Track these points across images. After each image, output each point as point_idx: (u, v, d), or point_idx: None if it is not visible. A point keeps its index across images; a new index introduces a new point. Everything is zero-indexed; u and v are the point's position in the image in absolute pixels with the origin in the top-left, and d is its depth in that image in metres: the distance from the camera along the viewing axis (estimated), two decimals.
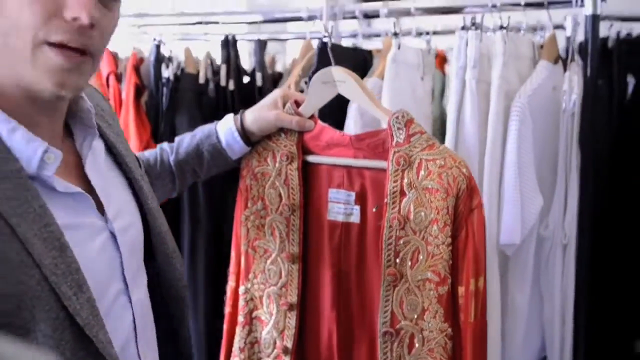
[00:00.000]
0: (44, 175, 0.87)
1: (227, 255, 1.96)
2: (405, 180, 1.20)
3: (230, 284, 1.44)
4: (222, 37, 2.16)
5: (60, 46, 0.84)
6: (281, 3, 6.38)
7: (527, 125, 1.62)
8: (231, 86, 2.10)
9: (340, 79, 1.28)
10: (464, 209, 1.18)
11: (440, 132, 2.27)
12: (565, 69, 1.75)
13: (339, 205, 1.30)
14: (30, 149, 0.85)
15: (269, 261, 1.35)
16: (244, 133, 1.33)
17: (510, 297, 1.73)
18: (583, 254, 1.75)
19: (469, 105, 1.67)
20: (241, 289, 1.39)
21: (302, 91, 1.84)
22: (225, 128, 1.34)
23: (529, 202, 1.63)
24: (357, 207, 1.28)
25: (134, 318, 0.98)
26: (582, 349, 1.76)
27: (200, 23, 2.23)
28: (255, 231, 1.36)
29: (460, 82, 1.69)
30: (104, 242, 0.94)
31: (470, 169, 1.20)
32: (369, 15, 1.98)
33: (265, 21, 2.17)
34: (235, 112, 2.02)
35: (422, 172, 1.19)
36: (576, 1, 1.72)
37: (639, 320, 1.80)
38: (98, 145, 1.02)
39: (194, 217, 2.08)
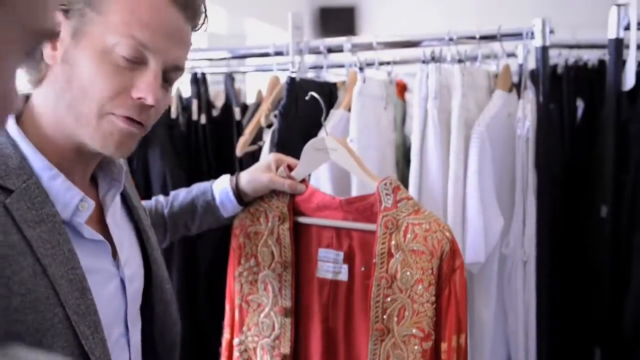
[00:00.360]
0: (76, 221, 0.96)
1: (200, 287, 2.03)
2: (393, 242, 1.27)
3: (225, 336, 1.50)
4: (191, 74, 2.23)
5: (124, 116, 0.95)
6: (239, 39, 6.50)
7: (486, 151, 1.73)
8: (203, 120, 2.17)
9: (332, 147, 1.38)
10: (447, 269, 1.25)
11: (404, 158, 2.37)
12: (519, 95, 1.87)
13: (328, 264, 1.37)
14: (68, 196, 0.95)
15: (262, 314, 1.42)
16: (238, 193, 1.41)
17: (476, 312, 1.82)
18: (542, 269, 1.86)
19: (432, 134, 1.77)
20: (235, 341, 1.46)
21: (270, 124, 1.92)
22: (221, 187, 1.42)
23: (491, 223, 1.73)
24: (345, 266, 1.36)
25: (129, 359, 1.07)
26: (544, 358, 1.86)
27: None
28: (249, 286, 1.43)
29: (423, 112, 1.79)
30: (116, 288, 1.03)
31: (453, 233, 1.27)
32: (332, 50, 2.07)
33: (233, 57, 2.24)
34: (207, 146, 2.10)
35: (408, 235, 1.26)
36: (526, 34, 1.84)
37: (596, 329, 1.90)
38: (117, 196, 1.11)
39: (167, 249, 2.12)
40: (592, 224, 2.01)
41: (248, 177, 1.42)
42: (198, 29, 1.05)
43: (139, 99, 0.95)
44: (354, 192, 1.77)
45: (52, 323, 0.86)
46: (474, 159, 1.72)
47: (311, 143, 1.40)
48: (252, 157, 2.03)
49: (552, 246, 1.89)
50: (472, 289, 1.84)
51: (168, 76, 1.01)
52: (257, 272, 1.42)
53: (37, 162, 0.93)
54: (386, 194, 1.30)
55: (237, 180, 1.42)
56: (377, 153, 1.86)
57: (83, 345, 0.89)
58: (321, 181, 1.80)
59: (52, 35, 0.51)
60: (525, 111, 1.77)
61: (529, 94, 1.87)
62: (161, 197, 1.47)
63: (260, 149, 1.97)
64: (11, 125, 0.94)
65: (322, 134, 1.82)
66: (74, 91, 0.93)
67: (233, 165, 2.16)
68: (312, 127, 1.86)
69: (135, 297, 1.10)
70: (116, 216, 1.10)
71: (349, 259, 1.36)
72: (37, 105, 0.97)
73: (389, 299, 1.28)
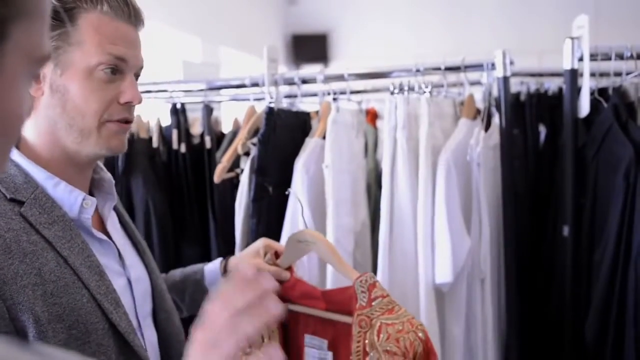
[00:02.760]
0: (83, 218, 1.11)
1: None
2: (367, 341, 1.26)
3: None
4: (170, 105, 2.32)
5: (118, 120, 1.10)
6: (213, 67, 6.59)
7: (452, 176, 1.83)
8: (182, 149, 2.26)
9: (312, 240, 1.39)
10: None
11: (375, 182, 2.47)
12: (483, 119, 1.98)
13: (314, 350, 1.39)
14: (72, 197, 1.10)
15: None
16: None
17: (447, 328, 1.91)
18: (508, 287, 1.96)
19: (401, 161, 1.87)
20: None
21: (247, 152, 2.01)
22: (212, 268, 1.48)
23: (459, 244, 1.83)
24: (330, 353, 1.37)
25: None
26: None
27: (149, 92, 2.37)
28: None
29: (392, 141, 1.89)
30: (124, 285, 1.16)
31: (427, 333, 1.26)
32: (306, 81, 2.16)
33: (210, 88, 2.33)
34: (187, 173, 2.18)
35: (382, 335, 1.25)
36: (487, 65, 1.95)
37: (560, 344, 1.99)
38: (113, 212, 1.24)
39: None
40: (556, 242, 2.12)
41: (235, 263, 1.47)
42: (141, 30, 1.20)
43: (127, 102, 1.12)
44: (330, 214, 1.85)
45: (82, 303, 1.02)
46: (441, 184, 1.83)
47: (294, 235, 1.42)
48: (231, 184, 2.11)
49: (517, 264, 1.99)
50: (443, 306, 1.93)
51: (137, 74, 1.18)
52: (249, 354, 1.43)
53: (40, 175, 1.08)
54: (362, 292, 1.29)
55: (226, 265, 1.48)
56: (349, 177, 1.96)
57: (110, 319, 1.04)
58: (297, 184, 1.88)
59: (49, 59, 0.60)
60: (478, 138, 1.88)
61: (495, 120, 1.99)
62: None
63: (237, 176, 2.05)
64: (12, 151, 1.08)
65: (298, 161, 1.92)
66: (70, 113, 1.08)
67: (212, 192, 2.24)
68: (288, 154, 1.96)
69: (143, 298, 1.21)
70: (116, 227, 1.24)
71: (333, 346, 1.37)
72: (30, 133, 1.11)
73: None
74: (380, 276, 1.86)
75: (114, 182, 1.23)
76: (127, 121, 1.15)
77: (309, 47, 8.72)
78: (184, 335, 1.31)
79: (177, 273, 1.52)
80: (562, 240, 1.99)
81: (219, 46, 6.81)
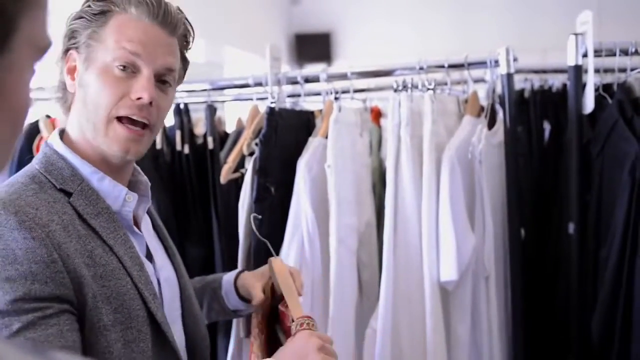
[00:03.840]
0: (125, 211, 1.17)
1: None
2: None
3: None
4: (174, 105, 2.31)
5: (126, 120, 1.13)
6: (217, 67, 6.59)
7: (457, 174, 1.83)
8: (186, 150, 2.25)
9: (275, 274, 1.41)
10: None
11: (380, 180, 2.47)
12: (487, 117, 1.97)
13: None
14: (116, 191, 1.16)
15: None
16: (236, 287, 1.49)
17: (452, 327, 1.90)
18: (514, 284, 1.95)
19: (405, 159, 1.86)
20: None
21: (252, 152, 2.00)
22: (227, 279, 1.51)
23: (463, 242, 1.82)
24: None
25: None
26: None
27: None
28: None
29: (396, 138, 1.88)
30: (155, 284, 1.18)
31: None
32: (309, 80, 2.16)
33: (213, 89, 2.33)
34: (190, 174, 2.18)
35: None
36: (491, 62, 1.94)
37: (567, 340, 1.98)
38: (146, 215, 1.28)
39: None
40: (561, 240, 2.11)
41: (244, 280, 1.48)
42: (189, 41, 1.26)
43: (138, 99, 1.13)
44: (333, 214, 1.85)
45: (126, 289, 1.08)
46: (445, 182, 1.82)
47: (268, 265, 1.44)
48: (236, 184, 2.11)
49: (523, 262, 1.98)
50: (449, 304, 1.92)
51: (163, 79, 1.19)
52: None
53: (85, 169, 1.14)
54: (293, 334, 1.25)
55: (236, 279, 1.50)
56: (352, 177, 1.95)
57: (149, 308, 1.10)
58: (300, 185, 1.88)
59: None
60: (480, 135, 1.87)
61: (499, 117, 1.98)
62: None
63: (242, 176, 2.05)
64: (58, 144, 1.16)
65: (301, 161, 1.91)
66: (89, 107, 1.14)
67: (215, 192, 2.23)
68: (291, 154, 1.95)
69: (172, 300, 1.25)
70: (149, 229, 1.29)
71: None
72: (70, 128, 1.18)
73: None
74: (385, 275, 1.85)
75: (149, 184, 1.28)
76: (139, 125, 1.15)
77: (312, 47, 8.71)
78: (208, 342, 1.35)
79: (197, 280, 1.54)
80: (567, 238, 1.98)
81: (222, 46, 6.81)
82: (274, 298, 1.48)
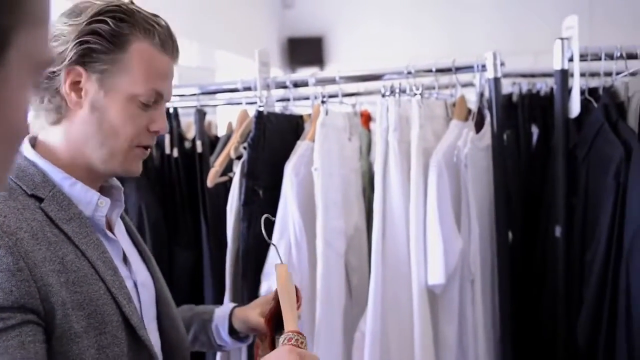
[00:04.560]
0: (97, 216, 1.16)
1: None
2: None
3: None
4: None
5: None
6: (209, 71, 6.59)
7: (444, 178, 1.84)
8: (175, 154, 2.26)
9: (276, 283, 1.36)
10: None
11: (370, 184, 2.47)
12: (474, 120, 1.99)
13: None
14: (88, 196, 1.15)
15: None
16: (231, 325, 1.46)
17: (440, 330, 1.91)
18: (501, 288, 1.96)
19: (393, 163, 1.87)
20: None
21: (240, 156, 2.01)
22: (220, 314, 1.48)
23: (450, 246, 1.83)
24: None
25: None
26: None
27: None
28: None
29: (384, 143, 1.89)
30: (131, 288, 1.19)
31: None
32: (298, 85, 2.17)
33: (203, 93, 2.33)
34: (180, 178, 2.18)
35: None
36: (478, 67, 1.96)
37: (554, 344, 2.00)
38: (119, 220, 1.28)
39: None
40: (548, 242, 2.13)
41: (242, 312, 1.46)
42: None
43: (156, 131, 1.20)
44: (319, 217, 1.86)
45: (99, 294, 1.07)
46: (432, 186, 1.83)
47: (275, 267, 1.40)
48: (224, 188, 2.12)
49: (510, 265, 1.99)
50: (437, 307, 1.93)
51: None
52: None
53: (57, 175, 1.13)
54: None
55: (232, 312, 1.47)
56: (340, 180, 1.96)
57: (124, 312, 1.09)
58: (287, 188, 1.89)
59: (51, 64, 0.59)
60: (466, 139, 1.88)
61: (487, 121, 2.00)
62: None
63: (230, 179, 2.06)
64: (28, 150, 1.15)
65: (288, 164, 1.92)
66: (105, 132, 1.14)
67: (204, 196, 2.24)
68: (280, 158, 1.96)
69: (149, 303, 1.25)
70: (123, 233, 1.29)
71: None
72: (56, 139, 1.16)
73: None
74: (373, 278, 1.86)
75: (122, 189, 1.28)
76: (149, 147, 1.22)
77: (305, 50, 8.73)
78: (188, 342, 1.35)
79: (186, 308, 1.53)
80: (554, 241, 2.00)
81: (214, 50, 6.81)
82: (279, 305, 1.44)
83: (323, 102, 1.97)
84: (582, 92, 1.95)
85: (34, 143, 1.18)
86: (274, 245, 1.51)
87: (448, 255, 1.82)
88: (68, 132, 1.15)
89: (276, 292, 1.39)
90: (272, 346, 1.38)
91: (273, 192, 1.94)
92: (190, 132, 2.65)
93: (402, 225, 1.88)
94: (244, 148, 1.98)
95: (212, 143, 2.53)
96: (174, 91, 2.34)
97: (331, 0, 8.79)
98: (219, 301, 2.03)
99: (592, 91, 1.99)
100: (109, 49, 1.12)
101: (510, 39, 7.06)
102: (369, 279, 1.93)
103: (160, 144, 2.31)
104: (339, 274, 1.93)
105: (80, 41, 1.10)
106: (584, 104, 1.95)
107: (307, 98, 2.29)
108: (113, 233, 1.22)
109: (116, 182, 1.28)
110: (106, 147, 1.15)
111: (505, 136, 2.11)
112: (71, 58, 1.11)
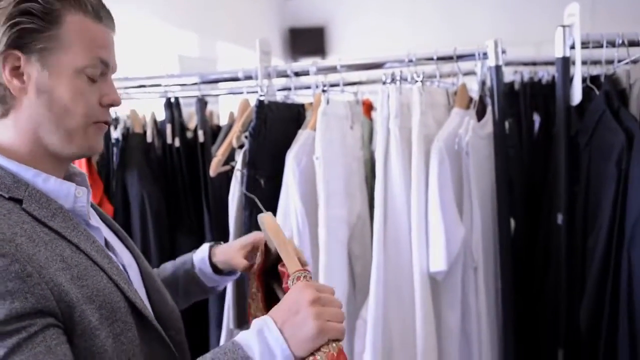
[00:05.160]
0: (79, 207, 1.14)
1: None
2: None
3: None
4: (165, 99, 2.33)
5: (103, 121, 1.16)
6: (210, 62, 6.59)
7: (445, 165, 1.84)
8: (177, 143, 2.26)
9: (266, 231, 1.33)
10: None
11: (371, 173, 2.47)
12: (475, 108, 1.99)
13: None
14: (64, 189, 1.12)
15: None
16: (212, 263, 1.47)
17: (443, 317, 1.92)
18: (503, 275, 1.97)
19: (394, 150, 1.87)
20: None
21: (242, 145, 2.01)
22: (200, 255, 1.49)
23: (452, 233, 1.84)
24: None
25: None
26: None
27: (143, 86, 2.37)
28: None
29: (385, 130, 1.89)
30: (122, 271, 1.16)
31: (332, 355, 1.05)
32: (299, 74, 2.16)
33: (203, 82, 2.33)
34: (182, 167, 2.18)
35: None
36: (479, 55, 1.96)
37: (558, 331, 2.00)
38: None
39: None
40: (550, 230, 2.13)
41: (222, 252, 1.47)
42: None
43: (109, 104, 1.15)
44: (321, 205, 1.86)
45: (103, 284, 1.05)
46: (433, 173, 1.83)
47: (259, 221, 1.37)
48: (226, 177, 2.12)
49: (512, 252, 2.00)
50: (439, 295, 1.94)
51: None
52: None
53: (27, 173, 1.09)
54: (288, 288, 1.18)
55: (211, 253, 1.48)
56: (342, 169, 1.96)
57: (128, 297, 1.09)
58: (289, 177, 1.89)
59: None
60: (467, 127, 1.88)
61: (489, 109, 2.00)
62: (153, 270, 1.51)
63: (232, 169, 2.06)
64: None
65: (289, 153, 1.92)
66: (57, 113, 1.09)
67: (206, 185, 2.25)
68: (281, 147, 1.96)
69: (137, 283, 1.23)
70: (97, 218, 1.25)
71: None
72: (8, 133, 1.10)
73: None
74: (375, 266, 1.87)
75: (85, 174, 1.24)
76: (107, 122, 1.18)
77: (306, 41, 8.71)
78: (178, 312, 1.32)
79: (167, 266, 1.52)
80: (556, 228, 2.00)
81: (215, 41, 6.80)
82: (269, 258, 1.42)
83: (324, 91, 1.96)
84: (584, 80, 1.95)
85: None
86: (252, 195, 1.44)
87: (450, 242, 1.83)
88: (19, 123, 1.10)
89: (265, 245, 1.37)
90: (266, 301, 1.37)
91: (275, 181, 1.94)
92: (192, 122, 2.66)
93: (403, 213, 1.88)
94: (246, 137, 1.98)
95: (214, 132, 2.54)
96: (175, 80, 2.39)
97: None
98: (222, 290, 2.04)
99: (594, 79, 1.99)
100: (43, 26, 1.07)
101: (512, 29, 7.02)
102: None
103: (161, 134, 2.31)
104: (341, 262, 1.93)
105: (12, 23, 1.05)
106: (586, 91, 1.94)
107: (309, 87, 2.29)
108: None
109: (76, 168, 1.24)
110: (61, 129, 1.10)
111: (507, 124, 2.11)
112: (5, 43, 1.05)
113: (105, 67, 1.14)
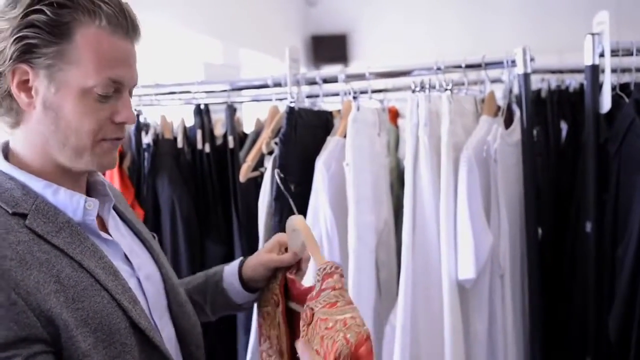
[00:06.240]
0: (88, 220, 1.10)
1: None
2: (307, 337, 1.14)
3: None
4: (194, 106, 2.36)
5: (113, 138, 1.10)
6: (234, 68, 6.64)
7: (474, 173, 1.84)
8: (207, 149, 2.29)
9: (297, 228, 1.30)
10: None
11: (398, 180, 2.48)
12: (504, 116, 1.99)
13: None
14: (74, 201, 1.09)
15: None
16: (242, 276, 1.39)
17: (471, 325, 1.92)
18: (531, 283, 1.97)
19: (423, 158, 1.88)
20: None
21: (271, 151, 2.03)
22: (230, 269, 1.41)
23: (481, 240, 1.84)
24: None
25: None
26: None
27: (173, 93, 2.41)
28: None
29: (414, 138, 1.90)
30: (135, 285, 1.14)
31: (364, 337, 1.06)
32: (327, 81, 2.18)
33: (233, 89, 2.36)
34: (211, 173, 2.21)
35: (315, 331, 1.12)
36: (507, 62, 1.96)
37: (586, 339, 1.99)
38: (113, 212, 1.22)
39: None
40: (578, 238, 2.12)
41: (252, 260, 1.40)
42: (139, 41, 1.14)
43: (121, 122, 1.10)
44: (351, 212, 1.88)
45: (102, 305, 1.01)
46: (462, 181, 1.84)
47: (287, 223, 1.34)
48: (255, 183, 2.14)
49: (539, 260, 1.99)
50: (467, 302, 1.94)
51: (130, 92, 1.14)
52: (272, 355, 1.36)
53: (37, 184, 1.07)
54: (317, 281, 1.17)
55: (241, 264, 1.41)
56: (371, 177, 1.97)
57: (131, 317, 1.04)
58: (319, 181, 1.91)
59: None
60: (495, 134, 1.89)
61: (516, 117, 2.00)
62: (186, 279, 1.50)
63: (262, 175, 2.08)
64: (2, 163, 1.08)
65: (319, 159, 1.94)
66: (64, 131, 1.05)
67: (235, 191, 2.27)
68: (311, 153, 1.98)
69: (157, 295, 1.19)
70: (119, 227, 1.22)
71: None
72: (20, 144, 1.09)
73: None
74: (403, 273, 1.87)
75: (107, 183, 1.21)
76: (119, 139, 1.13)
77: (328, 48, 8.75)
78: (200, 328, 1.29)
79: (200, 275, 1.47)
80: (584, 236, 1.99)
81: (239, 48, 6.85)
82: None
83: (355, 97, 1.98)
84: (613, 88, 1.95)
85: (7, 153, 1.11)
86: (286, 194, 1.38)
87: (478, 250, 1.83)
88: (29, 136, 1.07)
89: (292, 253, 1.32)
90: (286, 314, 1.32)
91: (304, 187, 1.96)
92: (217, 129, 2.69)
93: (432, 220, 1.89)
94: (275, 143, 2.01)
95: (240, 139, 2.57)
96: (205, 87, 2.42)
97: None
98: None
99: (624, 87, 1.99)
100: (50, 41, 1.01)
101: (534, 36, 7.00)
102: (397, 273, 1.94)
103: (191, 140, 2.34)
104: (369, 269, 1.94)
105: (18, 37, 1.00)
106: (615, 99, 1.94)
107: (336, 94, 2.30)
108: (108, 232, 1.16)
109: (100, 176, 1.21)
110: (69, 147, 1.06)
111: (534, 132, 2.11)
112: (12, 56, 1.00)
113: (119, 85, 1.08)
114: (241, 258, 1.44)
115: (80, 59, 1.03)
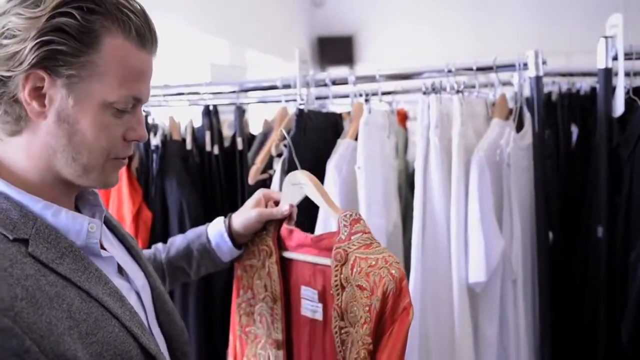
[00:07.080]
0: (91, 243, 1.04)
1: (216, 313, 2.08)
2: (343, 275, 1.24)
3: None
4: (203, 107, 2.35)
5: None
6: (240, 69, 6.64)
7: (486, 176, 1.83)
8: (216, 151, 2.28)
9: (303, 182, 1.39)
10: (390, 309, 1.18)
11: (407, 183, 2.47)
12: (515, 119, 1.98)
13: (308, 302, 1.37)
14: (77, 224, 1.02)
15: (259, 346, 1.45)
16: (232, 235, 1.44)
17: (481, 329, 1.90)
18: (542, 288, 1.95)
19: (434, 161, 1.87)
20: None
21: (280, 153, 2.02)
22: (215, 230, 1.45)
23: (492, 244, 1.82)
24: (320, 305, 1.34)
25: None
26: None
27: (181, 94, 2.40)
28: (247, 318, 1.48)
29: (425, 140, 1.89)
30: (136, 300, 1.11)
31: (403, 272, 1.20)
32: (337, 83, 2.17)
33: (242, 90, 2.35)
34: (220, 174, 2.19)
35: (355, 269, 1.22)
36: (519, 65, 1.94)
37: (597, 345, 1.97)
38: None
39: None
40: (590, 243, 2.10)
41: (239, 217, 1.44)
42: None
43: (135, 139, 1.06)
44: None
45: (115, 334, 0.97)
46: (473, 183, 1.82)
47: (287, 178, 1.43)
48: (264, 185, 2.13)
49: (551, 265, 1.98)
50: (477, 306, 1.92)
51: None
52: (254, 305, 1.45)
53: (35, 205, 0.99)
54: (344, 226, 1.27)
55: (230, 222, 1.45)
56: (381, 178, 1.96)
57: (142, 343, 1.01)
58: (329, 183, 1.90)
59: None
60: (508, 138, 1.87)
61: (527, 120, 1.98)
62: (160, 245, 1.51)
63: (270, 177, 2.07)
64: None
65: (330, 162, 1.93)
66: (77, 146, 0.99)
67: (243, 192, 2.26)
68: (321, 155, 1.97)
69: (149, 306, 1.17)
70: (109, 238, 1.18)
71: (323, 298, 1.34)
72: (15, 154, 1.00)
73: (343, 332, 1.24)
74: (413, 276, 1.86)
75: (97, 192, 1.16)
76: (129, 157, 1.11)
77: (335, 49, 8.75)
78: (187, 336, 1.26)
79: (177, 240, 1.48)
80: (596, 241, 1.97)
81: (245, 49, 6.86)
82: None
83: (367, 100, 1.97)
84: (626, 91, 1.93)
85: None
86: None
87: (489, 254, 1.81)
88: (32, 146, 0.98)
89: (289, 205, 1.42)
90: (281, 263, 1.41)
91: None
92: (224, 130, 2.68)
93: (442, 223, 1.88)
94: (284, 145, 1.99)
95: (248, 140, 2.55)
96: (213, 89, 2.40)
97: None
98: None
99: (637, 90, 1.97)
100: (78, 49, 0.94)
101: (541, 39, 6.98)
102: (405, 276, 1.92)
103: (199, 141, 2.33)
104: None
105: (42, 41, 0.92)
106: (628, 103, 1.92)
107: (345, 96, 2.29)
108: (103, 246, 1.10)
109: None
110: (78, 163, 1.00)
111: (545, 135, 2.10)
112: (30, 61, 0.92)
113: (137, 101, 1.04)
114: (221, 218, 1.48)
115: (106, 72, 0.97)
